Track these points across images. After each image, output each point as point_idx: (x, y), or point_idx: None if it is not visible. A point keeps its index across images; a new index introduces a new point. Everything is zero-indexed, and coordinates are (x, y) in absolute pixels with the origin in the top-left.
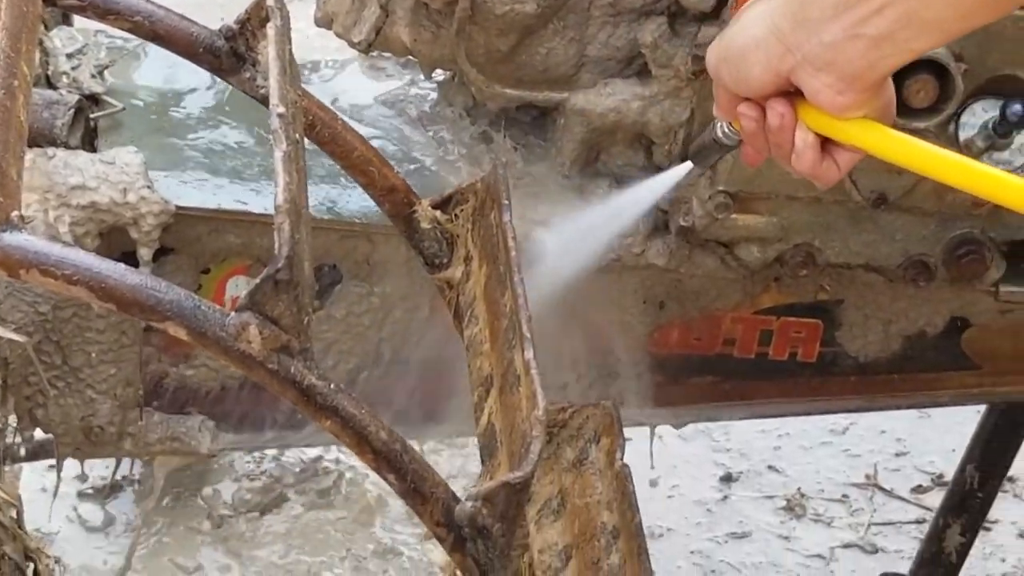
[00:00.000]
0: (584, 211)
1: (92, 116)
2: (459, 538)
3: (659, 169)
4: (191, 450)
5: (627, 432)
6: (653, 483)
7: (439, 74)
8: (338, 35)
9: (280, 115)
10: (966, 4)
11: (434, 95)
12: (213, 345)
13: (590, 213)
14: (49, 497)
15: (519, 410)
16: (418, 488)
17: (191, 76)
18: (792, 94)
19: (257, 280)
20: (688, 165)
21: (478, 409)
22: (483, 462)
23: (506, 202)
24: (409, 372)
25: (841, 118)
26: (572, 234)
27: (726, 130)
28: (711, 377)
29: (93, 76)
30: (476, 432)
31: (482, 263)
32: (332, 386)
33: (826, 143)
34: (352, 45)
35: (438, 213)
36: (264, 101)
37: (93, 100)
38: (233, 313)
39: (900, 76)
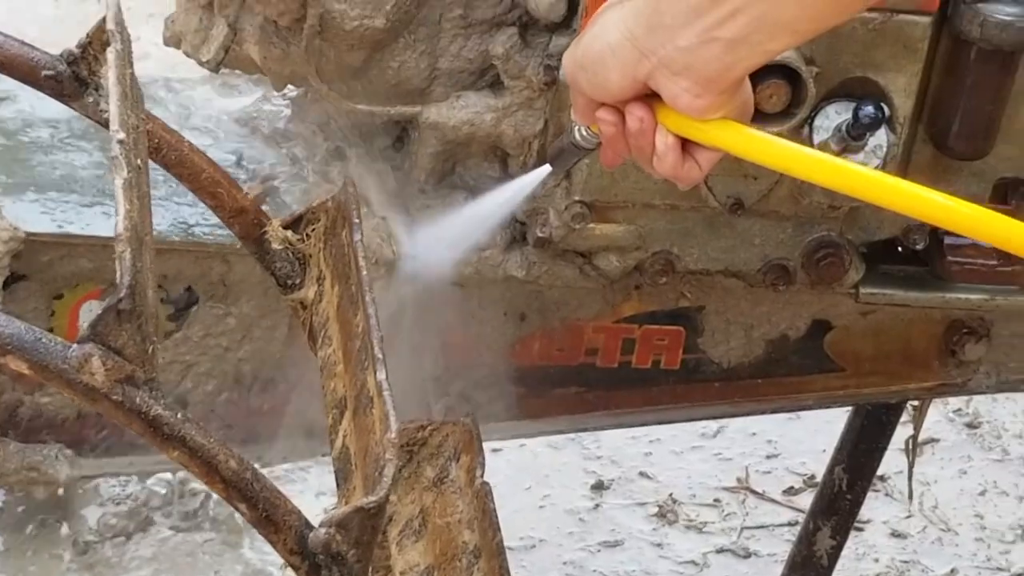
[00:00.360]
0: (441, 221)
1: None
2: (313, 566)
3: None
4: (49, 479)
5: (498, 443)
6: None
7: (291, 90)
8: (187, 55)
9: (120, 141)
10: (816, 6)
11: (287, 111)
12: (56, 378)
13: (447, 222)
14: None
15: (373, 433)
16: (270, 516)
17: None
18: (650, 97)
19: (99, 311)
20: (546, 168)
21: (332, 432)
22: (338, 486)
23: (357, 221)
24: (270, 392)
25: (700, 120)
26: (431, 244)
27: (584, 133)
28: (575, 388)
29: None
30: (332, 455)
31: (334, 283)
32: (179, 415)
33: (686, 144)
34: (201, 64)
35: (289, 233)
36: (108, 125)
37: None
38: (75, 345)
39: (751, 81)
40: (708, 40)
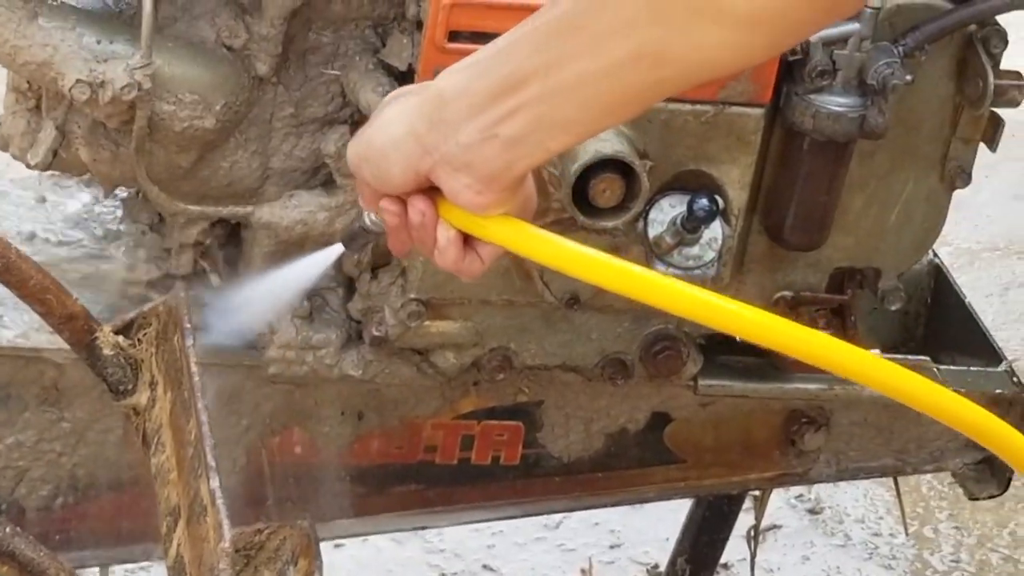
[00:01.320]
0: (236, 295)
1: None
2: None
3: (349, 278)
4: None
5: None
6: None
7: (122, 191)
8: (15, 157)
9: None
10: (594, 108)
11: (119, 212)
12: None
13: (242, 296)
14: None
15: (207, 541)
16: None
17: None
18: (433, 190)
19: None
20: (338, 247)
21: (167, 540)
22: None
23: (188, 326)
24: (108, 495)
25: (480, 216)
26: (224, 317)
27: (374, 219)
28: (414, 485)
29: None
30: (167, 563)
31: (167, 389)
32: (8, 530)
33: (468, 237)
34: (29, 167)
35: (120, 338)
36: None
37: None
38: None
39: (585, 176)
40: (488, 137)
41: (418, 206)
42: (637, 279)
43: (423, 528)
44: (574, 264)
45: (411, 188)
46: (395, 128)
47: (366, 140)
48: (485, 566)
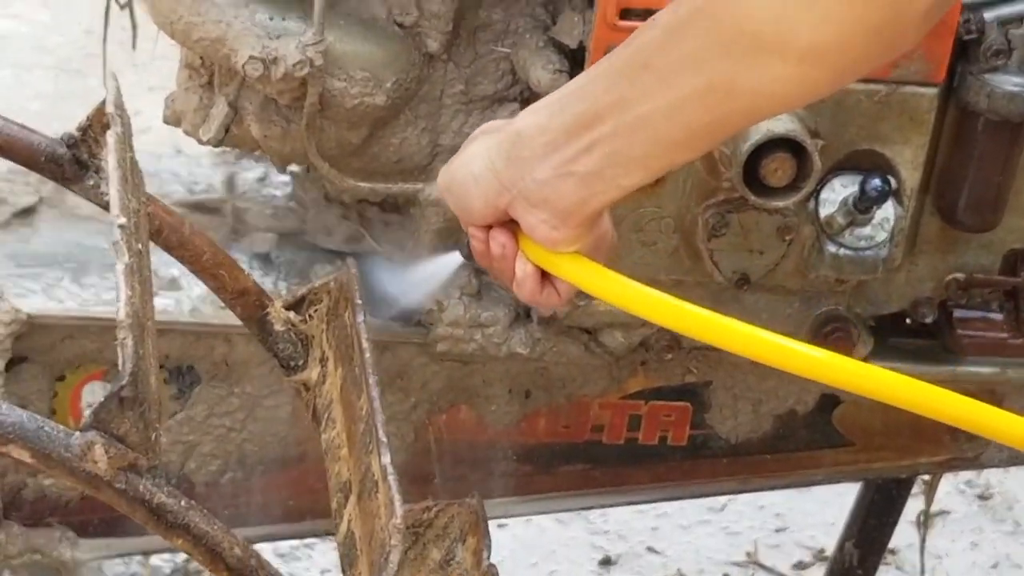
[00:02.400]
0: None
1: None
2: None
3: None
4: (53, 562)
5: (504, 518)
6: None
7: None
8: (187, 133)
9: (121, 226)
10: (664, 143)
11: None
12: (58, 467)
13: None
14: None
15: (378, 517)
16: None
17: None
18: (514, 224)
19: (101, 398)
20: (458, 258)
21: (337, 516)
22: (343, 571)
23: (359, 302)
24: (275, 471)
25: (555, 252)
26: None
27: None
28: (581, 464)
29: None
30: (336, 539)
31: (337, 365)
32: (183, 503)
33: (546, 271)
34: (201, 143)
35: (291, 314)
36: (109, 209)
37: None
38: (78, 433)
39: (757, 155)
40: (564, 174)
41: (499, 239)
42: (705, 322)
43: (589, 508)
44: (641, 305)
45: (492, 220)
46: (476, 164)
47: (451, 172)
48: (649, 548)
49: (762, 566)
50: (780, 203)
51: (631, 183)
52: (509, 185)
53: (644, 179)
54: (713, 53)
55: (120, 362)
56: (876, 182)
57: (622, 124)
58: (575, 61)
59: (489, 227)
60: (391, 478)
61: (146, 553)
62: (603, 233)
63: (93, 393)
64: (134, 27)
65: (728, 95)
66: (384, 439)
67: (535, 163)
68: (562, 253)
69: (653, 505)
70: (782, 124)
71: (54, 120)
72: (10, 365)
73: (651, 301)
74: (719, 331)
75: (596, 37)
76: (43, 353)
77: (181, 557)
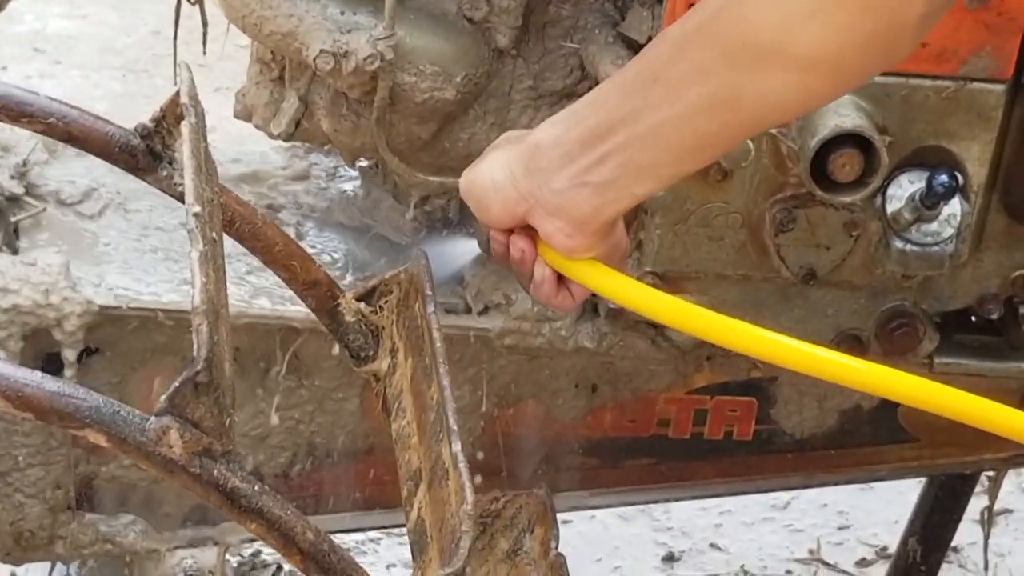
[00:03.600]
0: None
1: (13, 219)
2: None
3: None
4: (125, 551)
5: (568, 514)
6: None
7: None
8: (257, 127)
9: (196, 214)
10: (674, 153)
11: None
12: (133, 450)
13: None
14: None
15: (448, 504)
16: None
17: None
18: (533, 229)
19: (176, 383)
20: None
21: (407, 504)
22: (414, 558)
23: (430, 293)
24: (343, 463)
25: (571, 258)
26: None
27: None
28: (647, 459)
29: (13, 177)
30: (407, 527)
31: (408, 355)
32: (256, 488)
33: (562, 275)
34: (272, 137)
35: (362, 305)
36: (182, 199)
37: (14, 201)
38: (153, 417)
39: (825, 151)
40: (579, 184)
41: (518, 244)
42: (713, 323)
43: (654, 502)
44: (653, 308)
45: (511, 226)
46: (496, 173)
47: (471, 177)
48: (712, 544)
49: (825, 563)
50: (847, 199)
51: (643, 191)
52: (527, 195)
53: (656, 187)
54: (718, 65)
55: (195, 348)
56: (943, 178)
57: (634, 135)
58: None
59: (509, 231)
60: (462, 465)
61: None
62: (618, 240)
63: (165, 384)
64: (204, 25)
65: (733, 105)
66: (455, 427)
67: (552, 174)
68: (579, 260)
69: (717, 502)
70: (850, 120)
71: (122, 120)
72: (83, 355)
73: (663, 305)
74: (724, 332)
75: None
76: (116, 344)
77: (248, 551)
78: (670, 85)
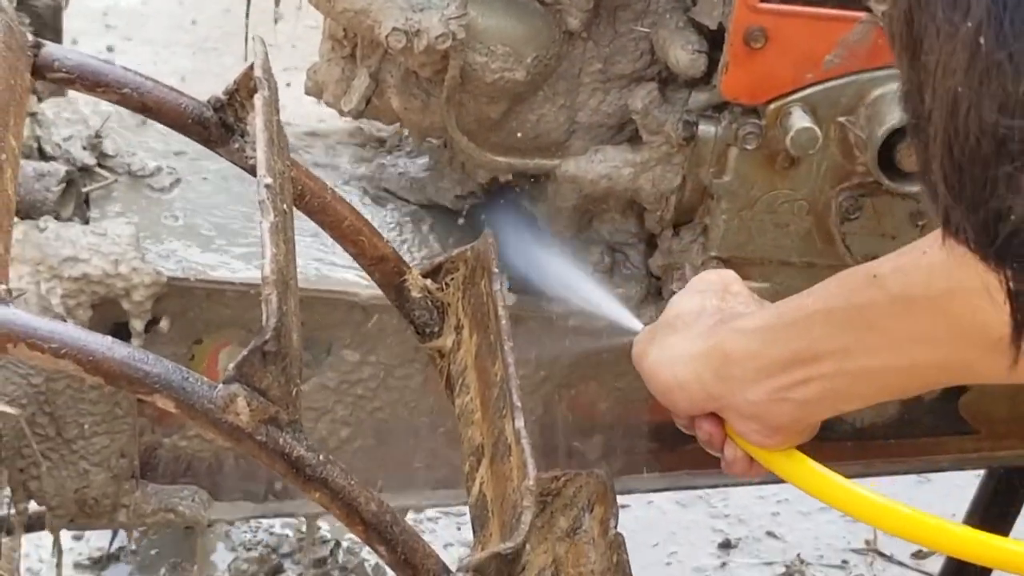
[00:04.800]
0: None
1: (84, 189)
2: None
3: (651, 234)
4: (186, 521)
5: (625, 499)
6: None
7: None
8: (328, 104)
9: (267, 186)
10: (889, 390)
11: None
12: (201, 417)
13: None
14: (49, 569)
15: (510, 480)
16: (408, 559)
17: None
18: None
19: (245, 352)
20: (639, 326)
21: (469, 479)
22: (475, 532)
23: (496, 271)
24: (403, 440)
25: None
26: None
27: None
28: None
29: (85, 148)
30: (468, 502)
31: (472, 332)
32: (321, 457)
33: None
34: (342, 114)
35: (428, 282)
36: (253, 172)
37: (86, 171)
38: (221, 385)
39: (892, 140)
40: (779, 399)
41: (705, 427)
42: (916, 524)
43: (714, 487)
44: (857, 508)
45: (697, 414)
46: (680, 371)
47: (650, 366)
48: (769, 532)
49: (881, 554)
50: (914, 188)
51: (849, 408)
52: (718, 396)
53: (862, 406)
54: (952, 338)
55: (264, 317)
56: None
57: (843, 369)
58: (714, 42)
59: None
60: (524, 441)
61: (278, 516)
62: (813, 429)
63: (230, 357)
64: (276, 1)
65: (964, 373)
66: (518, 404)
67: (747, 385)
68: (775, 450)
69: (774, 490)
70: None
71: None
72: (150, 325)
73: (863, 503)
74: (924, 531)
75: (736, 19)
76: (182, 315)
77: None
78: (892, 339)
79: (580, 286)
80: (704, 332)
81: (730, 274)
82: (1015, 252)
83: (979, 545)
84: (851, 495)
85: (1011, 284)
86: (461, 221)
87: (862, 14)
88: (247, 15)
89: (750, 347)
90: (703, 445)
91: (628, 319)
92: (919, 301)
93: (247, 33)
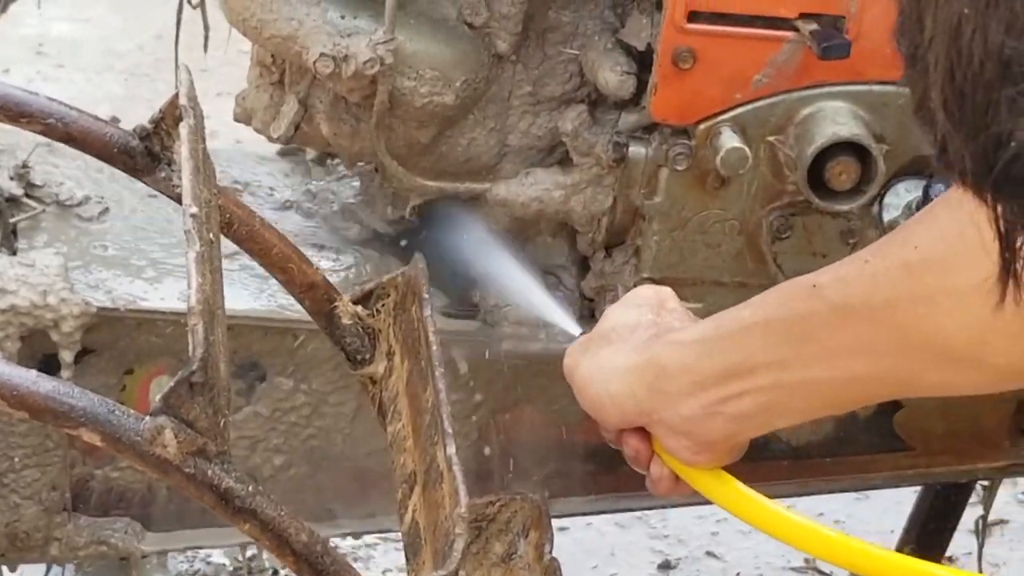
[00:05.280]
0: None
1: (12, 220)
2: None
3: (583, 257)
4: (120, 553)
5: (563, 521)
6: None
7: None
8: (257, 131)
9: (193, 215)
10: (824, 405)
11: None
12: (128, 450)
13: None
14: None
15: (442, 507)
16: None
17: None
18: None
19: (172, 383)
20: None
21: (402, 507)
22: (407, 560)
23: (426, 296)
24: (338, 467)
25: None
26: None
27: None
28: None
29: (12, 178)
30: (401, 530)
31: (404, 358)
32: (251, 488)
33: None
34: (271, 140)
35: (359, 308)
36: (180, 200)
37: (13, 201)
38: (148, 417)
39: (821, 159)
40: (712, 413)
41: (632, 443)
42: (839, 547)
43: (652, 508)
44: (777, 528)
45: (624, 428)
46: (613, 384)
47: (581, 378)
48: (709, 552)
49: (821, 572)
50: (844, 207)
51: (782, 424)
52: (649, 411)
53: (798, 423)
54: (896, 349)
55: (191, 348)
56: (940, 187)
57: (780, 382)
58: (643, 64)
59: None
60: (456, 468)
61: (214, 546)
62: (742, 448)
63: (161, 387)
64: (206, 28)
65: (907, 385)
66: (449, 430)
67: (680, 399)
68: (701, 469)
69: (713, 510)
70: (847, 128)
71: (125, 124)
72: (80, 356)
73: (788, 525)
74: (853, 555)
75: (664, 39)
76: (112, 346)
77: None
78: (829, 350)
79: (523, 284)
80: (639, 345)
81: (666, 290)
82: (1013, 179)
83: (904, 571)
84: (776, 517)
85: (1002, 222)
86: (404, 243)
87: (790, 34)
88: (176, 41)
89: (685, 360)
90: (629, 462)
91: (568, 323)
92: (860, 311)
93: (176, 60)
